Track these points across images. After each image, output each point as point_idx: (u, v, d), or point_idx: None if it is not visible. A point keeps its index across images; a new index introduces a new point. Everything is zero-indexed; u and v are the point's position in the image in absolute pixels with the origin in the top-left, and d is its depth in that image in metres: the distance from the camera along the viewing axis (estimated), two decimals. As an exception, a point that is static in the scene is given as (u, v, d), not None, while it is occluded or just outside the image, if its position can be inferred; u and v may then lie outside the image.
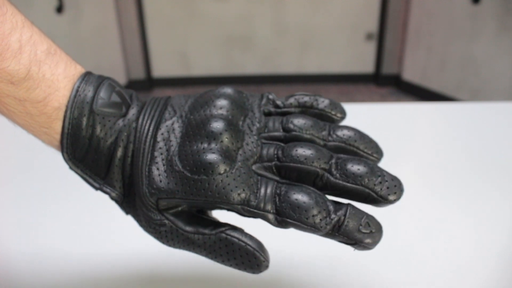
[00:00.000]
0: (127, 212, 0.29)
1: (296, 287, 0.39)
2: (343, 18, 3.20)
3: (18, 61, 0.25)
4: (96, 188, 0.28)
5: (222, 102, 0.28)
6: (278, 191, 0.25)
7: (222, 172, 0.25)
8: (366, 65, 3.35)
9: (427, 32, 2.92)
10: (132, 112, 0.29)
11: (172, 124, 0.28)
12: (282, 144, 0.28)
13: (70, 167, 0.28)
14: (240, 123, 0.28)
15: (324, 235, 0.25)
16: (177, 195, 0.25)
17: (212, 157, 0.25)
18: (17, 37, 0.25)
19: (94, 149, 0.28)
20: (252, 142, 0.28)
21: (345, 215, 0.25)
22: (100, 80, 0.28)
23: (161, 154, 0.27)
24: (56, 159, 0.59)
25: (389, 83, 3.30)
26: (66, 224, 0.49)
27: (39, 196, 0.54)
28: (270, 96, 0.32)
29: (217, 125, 0.27)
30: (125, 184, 0.28)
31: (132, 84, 3.30)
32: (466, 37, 2.64)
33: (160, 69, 3.39)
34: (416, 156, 0.64)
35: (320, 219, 0.24)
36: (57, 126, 0.27)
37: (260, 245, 0.26)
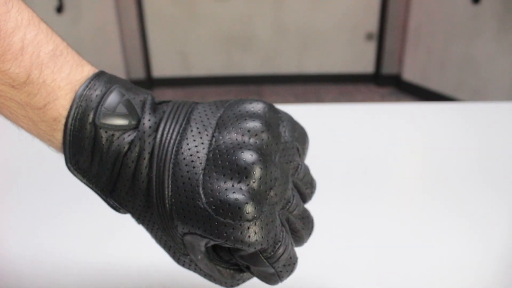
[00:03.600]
0: (139, 223, 0.27)
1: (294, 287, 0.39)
2: (343, 18, 3.20)
3: (19, 63, 0.23)
4: (103, 200, 0.27)
5: (256, 126, 0.25)
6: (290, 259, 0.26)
7: (250, 218, 0.23)
8: (366, 65, 3.35)
9: (427, 32, 2.92)
10: (144, 128, 0.25)
11: (196, 146, 0.25)
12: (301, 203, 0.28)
13: (76, 176, 0.26)
14: (273, 155, 0.25)
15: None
16: (198, 231, 0.24)
17: (241, 200, 0.23)
18: (20, 36, 0.24)
19: (97, 163, 0.25)
20: (285, 183, 0.26)
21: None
22: (108, 87, 0.26)
23: (183, 183, 0.24)
24: (57, 162, 0.59)
25: (389, 83, 3.30)
26: (67, 226, 0.49)
27: (40, 197, 0.54)
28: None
29: (250, 160, 0.24)
30: (137, 205, 0.26)
31: (132, 84, 3.30)
32: (466, 37, 2.64)
33: (160, 69, 3.39)
34: (416, 156, 0.64)
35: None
36: (59, 136, 0.25)
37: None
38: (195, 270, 0.27)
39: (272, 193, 0.25)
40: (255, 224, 0.23)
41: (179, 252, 0.26)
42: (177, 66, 3.37)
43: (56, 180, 0.57)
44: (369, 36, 3.26)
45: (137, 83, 3.21)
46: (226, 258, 0.26)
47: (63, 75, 0.25)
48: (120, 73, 3.21)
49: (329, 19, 3.21)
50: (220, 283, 0.27)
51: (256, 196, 0.23)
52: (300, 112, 0.85)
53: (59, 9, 3.00)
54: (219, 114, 0.26)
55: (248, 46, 3.31)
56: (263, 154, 0.24)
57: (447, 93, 2.84)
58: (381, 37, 3.24)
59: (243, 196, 0.23)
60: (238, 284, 0.28)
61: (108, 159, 0.25)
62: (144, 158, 0.25)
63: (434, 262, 0.42)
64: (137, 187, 0.25)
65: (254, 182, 0.23)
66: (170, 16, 3.21)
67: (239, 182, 0.23)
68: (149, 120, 0.26)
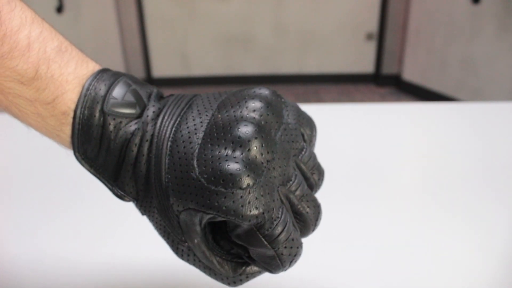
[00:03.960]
0: (143, 213, 0.27)
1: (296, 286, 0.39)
2: (343, 18, 3.20)
3: (26, 59, 0.24)
4: (109, 189, 0.27)
5: (256, 104, 0.25)
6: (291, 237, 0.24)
7: (243, 186, 0.22)
8: (366, 65, 3.35)
9: (427, 32, 2.92)
10: (148, 113, 0.26)
11: (195, 125, 0.25)
12: (305, 186, 0.26)
13: (83, 166, 0.27)
14: (273, 132, 0.25)
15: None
16: (191, 205, 0.23)
17: (234, 167, 0.22)
18: (26, 33, 0.24)
19: (105, 150, 0.26)
20: (284, 158, 0.25)
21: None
22: (115, 78, 0.27)
23: (179, 158, 0.24)
24: (56, 163, 0.59)
25: (389, 83, 3.31)
26: (67, 226, 0.49)
27: (39, 198, 0.54)
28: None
29: (246, 130, 0.23)
30: (139, 190, 0.26)
31: (132, 84, 3.30)
32: (466, 37, 2.64)
33: (160, 69, 3.39)
34: (416, 156, 0.64)
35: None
36: (67, 130, 0.26)
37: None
38: (194, 263, 0.26)
39: (269, 166, 0.24)
40: (249, 193, 0.22)
41: (177, 238, 0.26)
42: (177, 66, 3.37)
43: (55, 181, 0.57)
44: (369, 36, 3.26)
45: (137, 83, 3.24)
46: (227, 247, 0.25)
47: (70, 70, 0.26)
48: (120, 73, 3.22)
49: (329, 19, 3.21)
50: (221, 280, 0.26)
51: (250, 165, 0.23)
52: (300, 112, 0.85)
53: (59, 9, 3.00)
54: (221, 99, 0.27)
55: (248, 46, 3.31)
56: (261, 127, 0.24)
57: (447, 93, 2.84)
58: (381, 37, 3.24)
59: (236, 163, 0.22)
60: (241, 282, 0.26)
61: (115, 147, 0.26)
62: (147, 140, 0.26)
63: (434, 262, 0.42)
64: (138, 169, 0.26)
65: (249, 151, 0.23)
66: (170, 16, 3.21)
67: (233, 151, 0.23)
68: (153, 106, 0.27)
